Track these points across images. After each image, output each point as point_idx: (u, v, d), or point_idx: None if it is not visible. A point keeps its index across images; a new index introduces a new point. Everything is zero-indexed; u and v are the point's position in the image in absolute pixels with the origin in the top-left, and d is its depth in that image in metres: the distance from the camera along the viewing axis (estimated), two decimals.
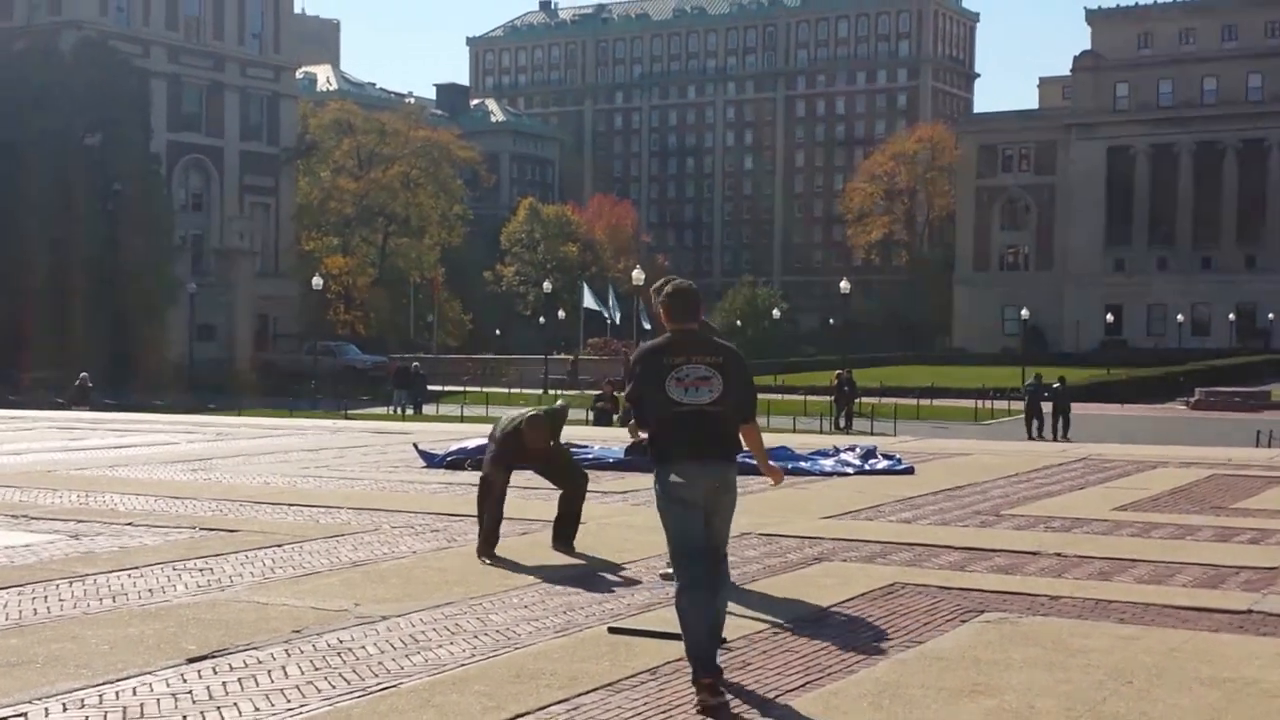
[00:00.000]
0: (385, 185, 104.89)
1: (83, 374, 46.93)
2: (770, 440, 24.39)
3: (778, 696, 7.04)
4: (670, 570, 7.94)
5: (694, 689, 6.95)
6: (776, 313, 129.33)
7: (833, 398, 50.57)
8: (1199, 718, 6.73)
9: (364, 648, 8.00)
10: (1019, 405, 60.93)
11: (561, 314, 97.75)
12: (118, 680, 7.26)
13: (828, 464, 18.62)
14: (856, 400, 50.54)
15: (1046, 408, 46.75)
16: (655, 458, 7.38)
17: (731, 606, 9.08)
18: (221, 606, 9.17)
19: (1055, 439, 43.21)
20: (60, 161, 73.22)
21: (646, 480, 17.05)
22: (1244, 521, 13.81)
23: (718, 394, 7.35)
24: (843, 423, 48.30)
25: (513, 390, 64.27)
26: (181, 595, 9.58)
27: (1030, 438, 43.55)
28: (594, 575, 10.45)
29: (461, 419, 45.90)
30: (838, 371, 52.89)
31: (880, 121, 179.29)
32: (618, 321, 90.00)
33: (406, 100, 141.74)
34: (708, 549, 7.30)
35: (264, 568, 10.70)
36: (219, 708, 6.78)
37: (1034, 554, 11.47)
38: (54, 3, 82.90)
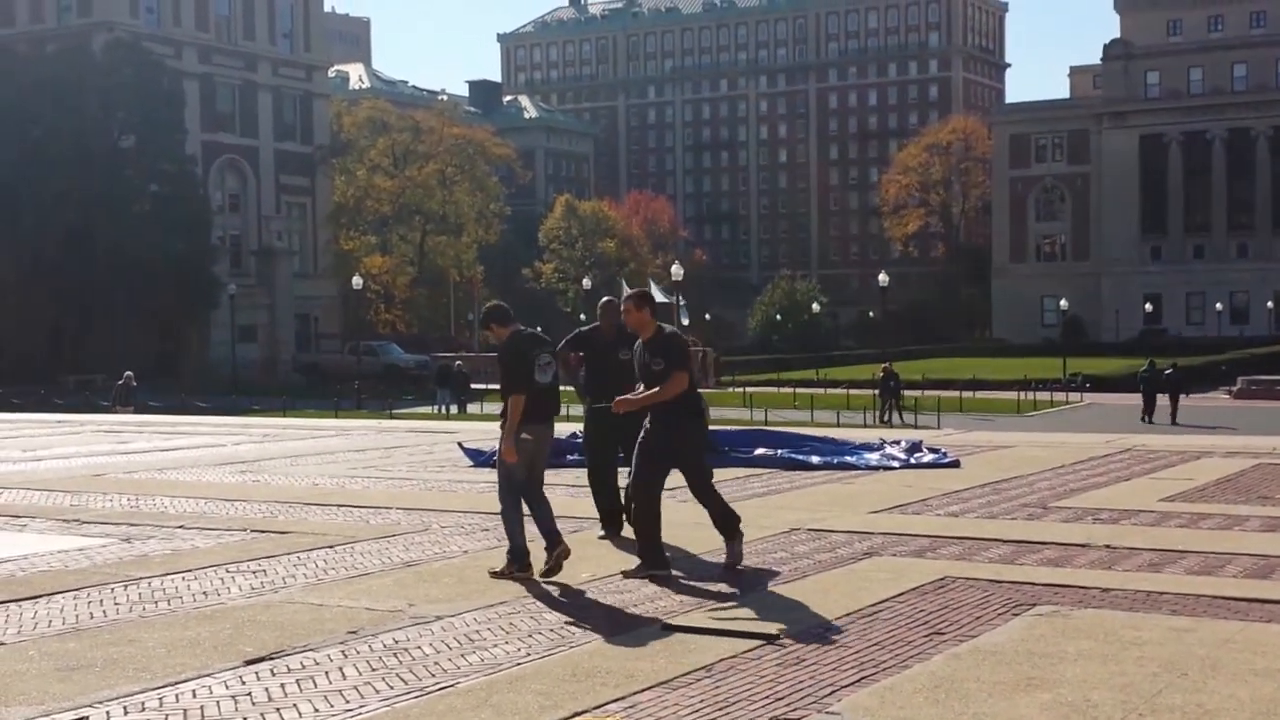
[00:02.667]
0: (421, 183, 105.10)
1: (127, 373, 47.08)
2: (815, 434, 24.42)
3: (833, 692, 7.04)
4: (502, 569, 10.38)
5: (514, 566, 10.19)
6: (816, 306, 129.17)
7: (877, 391, 50.66)
8: (1256, 709, 6.71)
9: (420, 648, 8.05)
10: (1060, 396, 61.07)
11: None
12: (177, 683, 7.32)
13: (873, 458, 18.61)
14: (901, 394, 50.56)
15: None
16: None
17: (784, 602, 9.19)
18: (276, 608, 9.24)
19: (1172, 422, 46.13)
20: (95, 163, 73.65)
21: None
22: None
23: (554, 374, 10.58)
24: (886, 416, 48.27)
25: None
26: (236, 597, 9.65)
27: (1144, 422, 46.04)
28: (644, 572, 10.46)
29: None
30: (883, 365, 52.92)
31: (912, 113, 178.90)
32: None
33: (439, 98, 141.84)
34: (529, 482, 10.40)
35: (317, 569, 10.76)
36: (278, 709, 6.83)
37: (1083, 546, 11.43)
38: (84, 4, 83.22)
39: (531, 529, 10.41)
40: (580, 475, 13.46)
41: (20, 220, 74.22)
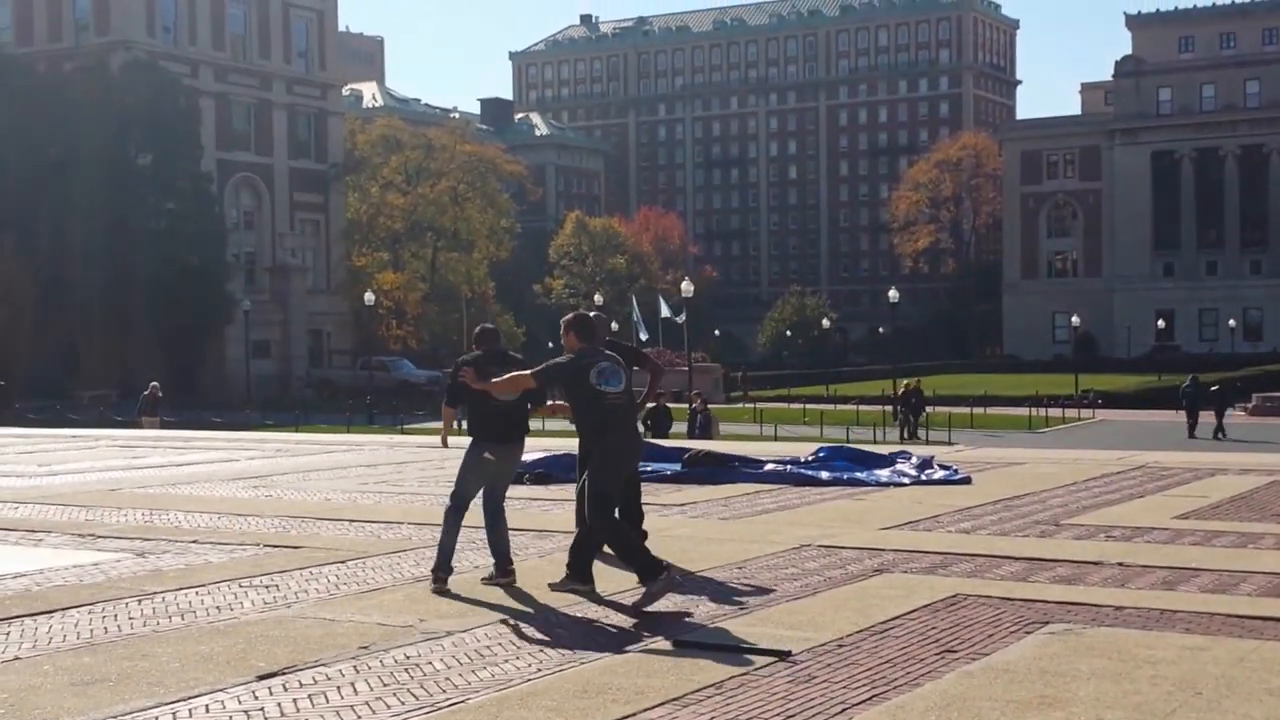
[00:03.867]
0: (433, 200, 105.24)
1: (153, 384, 46.68)
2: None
3: (845, 710, 7.02)
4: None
5: (432, 576, 10.41)
6: (826, 322, 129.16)
7: (896, 407, 50.51)
8: None
9: (431, 663, 8.06)
10: (1072, 413, 61.06)
11: (615, 325, 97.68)
12: (190, 697, 7.34)
13: (884, 474, 18.57)
14: (924, 413, 50.26)
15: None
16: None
17: (795, 619, 9.16)
18: (288, 623, 9.25)
19: (1217, 437, 46.91)
20: (113, 181, 74.01)
21: (704, 493, 17.10)
22: None
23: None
24: (903, 434, 48.13)
25: None
26: (249, 612, 9.67)
27: (1191, 437, 46.72)
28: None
29: None
30: (905, 382, 52.79)
31: (923, 129, 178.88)
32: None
33: (451, 115, 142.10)
34: (489, 500, 10.95)
35: (328, 584, 10.78)
36: None
37: (1096, 564, 11.39)
38: (102, 23, 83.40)
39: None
40: None
41: (37, 237, 74.61)
